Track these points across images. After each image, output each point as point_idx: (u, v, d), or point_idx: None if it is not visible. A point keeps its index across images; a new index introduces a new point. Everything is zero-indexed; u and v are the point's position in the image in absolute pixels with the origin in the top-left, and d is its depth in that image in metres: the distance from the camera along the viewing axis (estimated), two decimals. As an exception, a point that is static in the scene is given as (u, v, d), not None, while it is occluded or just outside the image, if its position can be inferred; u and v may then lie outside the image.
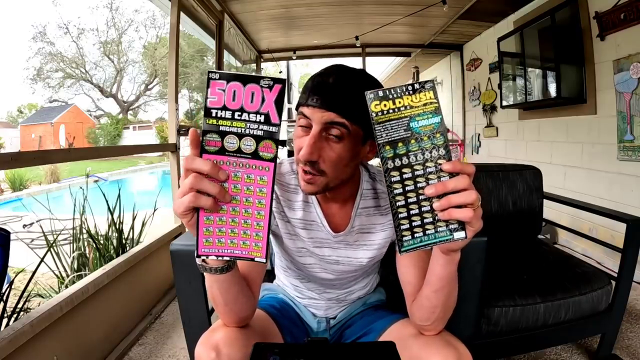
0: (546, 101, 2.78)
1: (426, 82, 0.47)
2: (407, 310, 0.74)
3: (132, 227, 2.07)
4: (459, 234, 0.48)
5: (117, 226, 1.97)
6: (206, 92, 0.42)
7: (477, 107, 4.21)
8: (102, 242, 1.94)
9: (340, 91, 0.61)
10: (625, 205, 2.14)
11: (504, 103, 3.37)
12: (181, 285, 0.96)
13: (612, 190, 2.31)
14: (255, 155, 0.44)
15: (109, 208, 1.99)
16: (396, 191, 0.47)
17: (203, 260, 0.54)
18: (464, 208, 0.46)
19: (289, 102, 6.76)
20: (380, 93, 0.47)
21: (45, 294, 1.79)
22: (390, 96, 0.47)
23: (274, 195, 0.75)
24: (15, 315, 1.30)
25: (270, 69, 9.55)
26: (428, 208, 0.47)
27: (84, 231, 1.92)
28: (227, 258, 0.46)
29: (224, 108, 0.42)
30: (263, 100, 0.43)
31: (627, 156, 2.18)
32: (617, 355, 1.36)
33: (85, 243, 1.93)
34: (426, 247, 0.48)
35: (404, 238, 0.48)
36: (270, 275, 1.18)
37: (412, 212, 0.47)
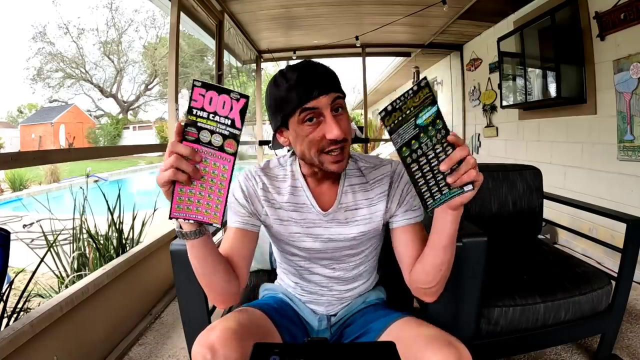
0: (546, 101, 2.78)
1: (420, 81, 0.54)
2: (406, 307, 0.75)
3: (132, 227, 2.07)
4: (468, 187, 0.58)
5: (117, 226, 1.98)
6: (190, 95, 0.53)
7: (477, 107, 4.21)
8: (102, 242, 1.94)
9: (327, 74, 0.72)
10: (625, 205, 2.14)
11: (504, 103, 3.36)
12: (181, 285, 0.96)
13: (612, 190, 2.31)
14: (221, 148, 0.56)
15: (109, 208, 1.99)
16: (417, 176, 0.59)
17: (179, 226, 0.63)
18: (469, 171, 0.57)
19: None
20: (390, 108, 0.56)
21: (45, 294, 1.79)
22: (398, 107, 0.56)
23: (261, 185, 0.83)
24: (15, 315, 1.30)
25: (270, 69, 9.55)
26: (442, 176, 0.58)
27: (84, 231, 1.92)
28: (192, 220, 0.58)
29: (202, 109, 0.54)
30: (231, 108, 0.55)
31: (627, 156, 2.18)
32: (617, 355, 1.36)
33: (85, 243, 1.93)
34: (446, 202, 0.60)
35: (428, 202, 0.60)
36: (271, 275, 1.18)
37: (430, 183, 0.59)
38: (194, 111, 0.54)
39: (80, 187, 2.26)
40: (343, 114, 0.73)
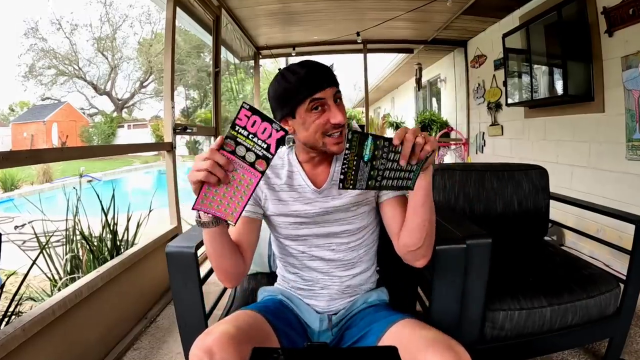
0: (552, 99, 2.78)
1: (348, 133, 0.63)
2: (408, 310, 0.76)
3: (127, 229, 2.07)
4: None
5: (112, 227, 1.97)
6: (237, 113, 0.61)
7: (482, 105, 4.21)
8: (95, 243, 1.94)
9: (330, 72, 0.86)
10: (634, 205, 2.14)
11: (509, 101, 3.36)
12: (177, 288, 0.97)
13: (620, 190, 2.31)
14: (252, 165, 0.64)
15: (102, 209, 1.99)
16: (390, 183, 0.71)
17: (198, 216, 0.73)
18: (423, 148, 0.69)
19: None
20: (342, 176, 0.65)
21: (37, 297, 1.79)
22: (346, 167, 0.64)
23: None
24: (6, 319, 1.30)
25: (268, 65, 9.53)
26: (405, 166, 0.70)
27: (77, 232, 1.92)
28: (210, 215, 0.68)
29: (244, 128, 0.61)
30: (270, 135, 0.62)
31: (636, 155, 2.18)
32: (626, 360, 1.37)
33: (79, 245, 1.93)
34: (418, 175, 0.74)
35: (407, 184, 0.73)
36: (270, 278, 1.18)
37: (401, 176, 0.72)
38: (237, 127, 0.61)
39: (74, 187, 2.26)
40: (341, 104, 0.88)
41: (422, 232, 0.80)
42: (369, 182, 0.67)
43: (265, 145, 0.62)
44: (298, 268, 0.95)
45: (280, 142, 0.63)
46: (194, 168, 0.64)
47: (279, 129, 0.62)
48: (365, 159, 0.64)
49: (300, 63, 0.86)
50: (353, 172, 0.64)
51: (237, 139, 0.62)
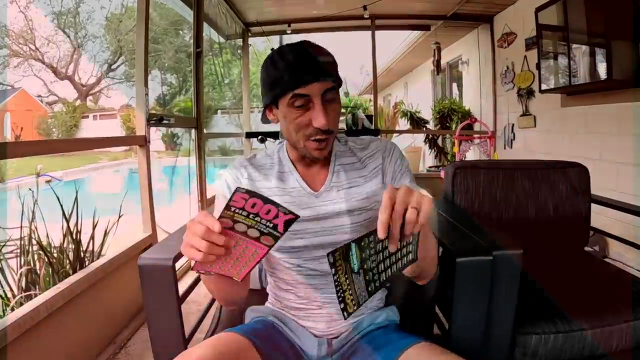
0: (595, 84, 2.78)
1: (328, 259, 0.59)
2: (423, 333, 0.80)
3: (92, 237, 2.07)
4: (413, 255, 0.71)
5: (74, 236, 1.98)
6: (230, 197, 0.59)
7: (511, 92, 4.22)
8: (55, 255, 1.94)
9: (324, 59, 0.83)
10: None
11: (543, 87, 3.37)
12: (151, 308, 0.97)
13: (675, 192, 2.31)
14: (257, 239, 0.64)
15: (64, 214, 1.99)
16: (389, 274, 0.68)
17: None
18: (413, 225, 0.62)
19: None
20: (341, 296, 0.63)
21: (-14, 318, 1.79)
22: (340, 291, 0.62)
23: (247, 175, 0.95)
24: (-50, 344, 1.30)
25: (259, 45, 9.53)
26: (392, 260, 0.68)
27: (34, 242, 1.92)
28: (212, 273, 0.69)
29: (242, 209, 0.60)
30: (276, 216, 0.61)
31: (693, 151, 2.18)
32: (680, 392, 1.36)
33: (36, 256, 1.93)
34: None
35: (409, 259, 0.71)
36: (260, 296, 1.18)
37: (402, 257, 0.70)
38: (232, 209, 0.60)
39: (30, 189, 2.26)
40: (334, 105, 0.85)
41: (420, 266, 0.78)
42: (369, 289, 0.66)
43: (271, 225, 0.62)
44: (291, 284, 0.95)
45: (290, 224, 0.62)
46: (189, 243, 0.63)
47: (287, 212, 0.61)
48: (356, 269, 0.63)
49: (293, 46, 0.84)
50: (350, 292, 0.63)
51: (235, 218, 0.62)
